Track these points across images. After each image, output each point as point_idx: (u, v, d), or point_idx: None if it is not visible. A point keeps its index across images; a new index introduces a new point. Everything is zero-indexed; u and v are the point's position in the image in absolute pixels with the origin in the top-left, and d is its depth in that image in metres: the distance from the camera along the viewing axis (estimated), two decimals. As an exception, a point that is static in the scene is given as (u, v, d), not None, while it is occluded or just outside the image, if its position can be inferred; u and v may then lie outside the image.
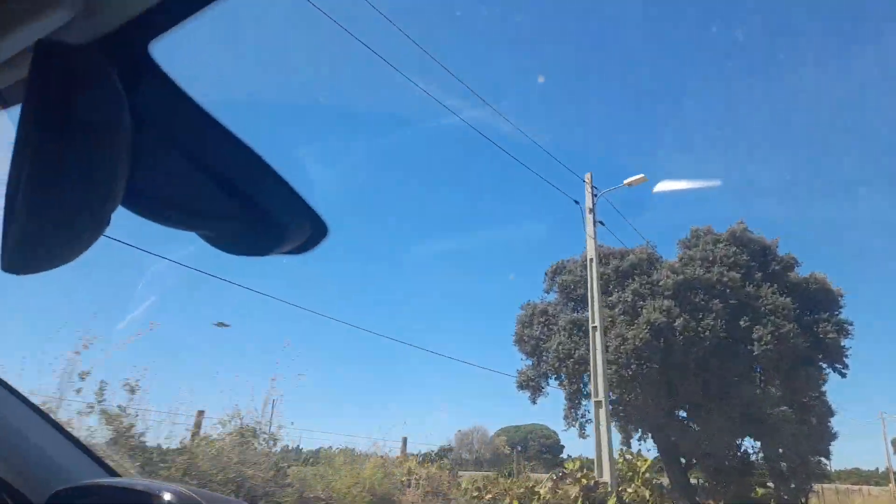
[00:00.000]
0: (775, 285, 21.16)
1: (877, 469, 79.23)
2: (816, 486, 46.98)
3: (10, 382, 1.63)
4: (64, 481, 1.52)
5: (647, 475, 17.97)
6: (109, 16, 0.64)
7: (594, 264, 18.86)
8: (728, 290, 20.32)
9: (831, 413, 39.27)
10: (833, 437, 40.19)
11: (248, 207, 0.76)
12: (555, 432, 70.98)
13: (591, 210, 19.15)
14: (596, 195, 19.36)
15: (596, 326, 18.19)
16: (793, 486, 40.58)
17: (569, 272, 23.25)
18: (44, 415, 1.69)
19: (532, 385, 22.18)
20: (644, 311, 19.91)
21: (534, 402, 22.15)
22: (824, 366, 23.70)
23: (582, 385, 21.66)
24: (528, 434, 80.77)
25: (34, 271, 0.69)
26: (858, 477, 76.79)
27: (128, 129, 0.64)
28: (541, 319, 22.50)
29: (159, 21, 0.67)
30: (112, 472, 1.77)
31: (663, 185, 20.98)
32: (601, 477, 16.55)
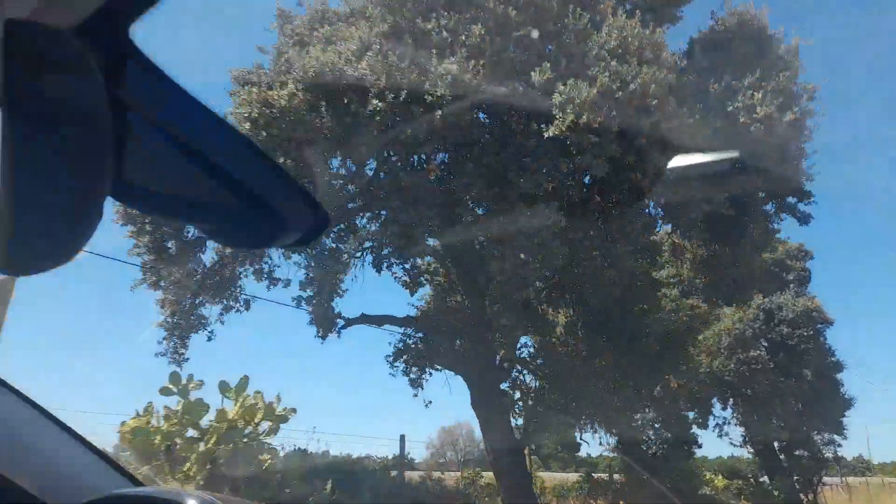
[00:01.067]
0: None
1: (930, 461, 65.27)
2: (833, 480, 33.68)
3: (29, 395, 1.58)
4: (89, 493, 1.51)
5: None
6: None
7: None
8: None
9: (837, 367, 26.40)
10: (847, 403, 27.28)
11: (244, 197, 0.72)
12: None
13: None
14: None
15: None
16: (796, 477, 27.69)
17: None
18: (64, 426, 1.65)
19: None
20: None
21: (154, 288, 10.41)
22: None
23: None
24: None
25: (36, 271, 0.67)
26: (904, 470, 65.63)
27: (108, 116, 0.59)
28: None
29: (139, 2, 0.63)
30: (135, 482, 1.75)
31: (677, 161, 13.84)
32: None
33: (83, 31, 0.58)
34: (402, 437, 14.07)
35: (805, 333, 22.49)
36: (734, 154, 8.57)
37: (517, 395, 13.16)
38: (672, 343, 12.05)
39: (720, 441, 23.55)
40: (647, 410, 14.77)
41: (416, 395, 12.91)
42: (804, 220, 10.89)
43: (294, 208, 0.74)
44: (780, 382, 20.88)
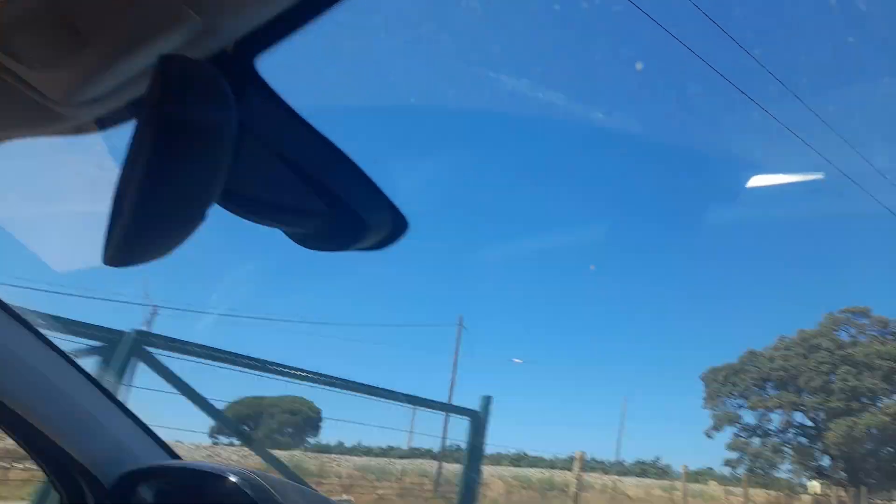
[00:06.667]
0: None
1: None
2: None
3: (79, 362, 1.57)
4: (130, 462, 1.50)
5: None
6: (223, 35, 0.69)
7: None
8: None
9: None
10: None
11: (334, 205, 0.80)
12: (311, 402, 57.34)
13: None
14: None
15: None
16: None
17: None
18: (107, 392, 1.61)
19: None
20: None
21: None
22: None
23: None
24: (269, 407, 66.15)
25: (134, 264, 0.72)
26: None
27: (233, 135, 0.68)
28: None
29: (266, 38, 0.72)
30: (172, 454, 1.70)
31: (757, 180, 21.02)
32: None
33: (217, 63, 0.68)
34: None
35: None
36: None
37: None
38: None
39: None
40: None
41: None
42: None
43: (377, 217, 0.83)
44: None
